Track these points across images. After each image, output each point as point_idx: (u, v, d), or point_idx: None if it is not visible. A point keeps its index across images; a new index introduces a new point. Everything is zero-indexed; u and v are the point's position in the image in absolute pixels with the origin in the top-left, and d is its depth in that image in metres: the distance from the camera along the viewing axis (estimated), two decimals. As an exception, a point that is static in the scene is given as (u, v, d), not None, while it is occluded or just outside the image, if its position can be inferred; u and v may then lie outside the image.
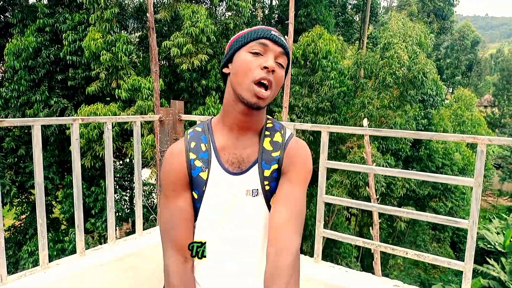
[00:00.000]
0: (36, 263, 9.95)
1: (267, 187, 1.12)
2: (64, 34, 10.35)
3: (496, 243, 14.55)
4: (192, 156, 1.12)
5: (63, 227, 12.63)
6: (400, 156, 15.11)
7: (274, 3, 17.56)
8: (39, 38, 10.37)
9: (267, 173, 1.12)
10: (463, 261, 2.12)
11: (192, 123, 6.93)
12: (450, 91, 34.14)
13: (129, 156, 11.51)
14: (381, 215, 14.36)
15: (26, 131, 11.22)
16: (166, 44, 10.64)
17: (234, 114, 1.12)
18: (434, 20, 25.93)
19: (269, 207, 1.13)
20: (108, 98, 11.21)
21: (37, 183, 2.21)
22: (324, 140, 2.52)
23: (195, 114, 10.38)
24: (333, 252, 14.28)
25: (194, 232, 1.15)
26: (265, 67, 1.05)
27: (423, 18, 24.20)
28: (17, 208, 12.56)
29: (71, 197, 10.81)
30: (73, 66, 10.75)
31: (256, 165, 1.12)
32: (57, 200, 12.09)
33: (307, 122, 12.55)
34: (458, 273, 15.28)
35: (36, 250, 10.27)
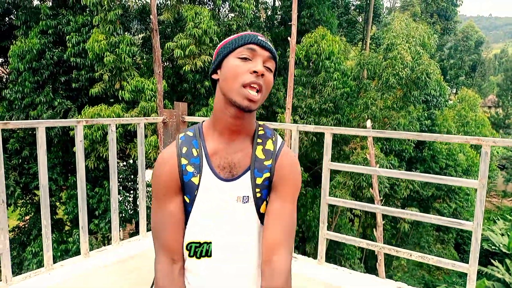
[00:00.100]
0: (40, 264, 9.99)
1: (258, 195, 1.15)
2: (68, 36, 10.39)
3: (501, 245, 14.48)
4: (183, 161, 1.14)
5: (67, 228, 12.68)
6: (404, 157, 15.07)
7: (277, 4, 17.56)
8: (42, 40, 10.41)
9: (259, 181, 1.14)
10: (468, 263, 2.11)
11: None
12: (454, 91, 34.00)
13: (132, 157, 11.54)
14: (384, 216, 14.33)
15: (30, 132, 11.26)
16: (169, 45, 10.67)
17: (225, 119, 1.14)
18: (438, 20, 25.84)
19: (259, 214, 1.16)
20: (112, 100, 11.24)
21: (42, 185, 2.23)
22: (328, 141, 2.51)
23: (198, 116, 10.39)
24: (336, 254, 14.24)
25: (184, 235, 1.18)
26: (255, 72, 1.07)
27: (427, 19, 24.14)
28: (21, 209, 12.62)
29: (75, 198, 10.85)
30: (77, 67, 10.79)
31: (248, 172, 1.14)
32: (61, 201, 12.12)
33: (310, 123, 12.54)
34: (463, 275, 15.22)
35: (40, 251, 10.31)
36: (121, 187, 12.64)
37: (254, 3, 12.08)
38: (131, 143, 10.80)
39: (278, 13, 17.06)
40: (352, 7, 22.48)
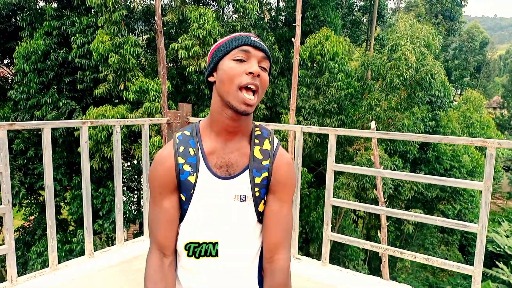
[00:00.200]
0: (44, 263, 10.03)
1: (257, 193, 1.18)
2: (72, 37, 10.45)
3: (506, 246, 14.40)
4: (180, 160, 1.16)
5: (71, 228, 12.74)
6: (408, 158, 15.02)
7: (281, 5, 17.55)
8: (47, 41, 10.48)
9: (257, 180, 1.17)
10: (472, 265, 2.10)
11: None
12: (459, 92, 33.86)
13: (136, 157, 11.57)
14: (389, 217, 14.27)
15: (35, 133, 11.33)
16: (174, 46, 10.70)
17: (222, 120, 1.15)
18: (442, 21, 25.74)
19: (257, 213, 1.19)
20: (116, 100, 11.29)
21: (47, 185, 2.24)
22: (332, 143, 2.51)
23: (202, 117, 10.40)
24: (340, 255, 14.20)
25: (178, 232, 1.21)
26: (251, 73, 1.09)
27: (431, 19, 24.05)
28: (26, 209, 12.70)
29: (79, 198, 10.89)
30: (82, 68, 10.85)
31: (247, 172, 1.17)
32: (65, 201, 12.18)
33: (314, 124, 12.52)
34: (467, 277, 15.12)
35: (45, 251, 10.35)
36: (125, 188, 12.67)
37: (258, 4, 12.09)
38: (135, 144, 10.83)
39: (282, 14, 17.06)
40: (356, 8, 22.41)
